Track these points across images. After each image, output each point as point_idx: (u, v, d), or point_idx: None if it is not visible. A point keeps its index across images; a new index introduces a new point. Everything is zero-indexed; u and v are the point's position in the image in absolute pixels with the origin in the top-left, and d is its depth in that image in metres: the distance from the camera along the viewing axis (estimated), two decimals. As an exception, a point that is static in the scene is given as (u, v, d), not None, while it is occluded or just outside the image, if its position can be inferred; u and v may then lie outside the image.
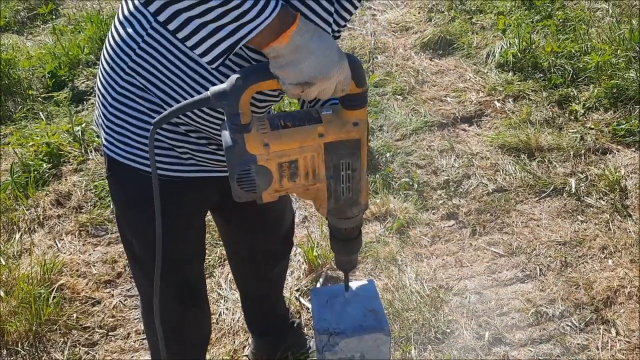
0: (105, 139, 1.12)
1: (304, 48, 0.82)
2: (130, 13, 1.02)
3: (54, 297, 2.03)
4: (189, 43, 0.84)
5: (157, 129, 0.86)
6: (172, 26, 0.83)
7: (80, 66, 3.46)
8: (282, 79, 0.83)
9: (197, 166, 1.11)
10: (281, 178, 0.92)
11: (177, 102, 1.03)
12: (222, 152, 1.06)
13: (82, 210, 2.49)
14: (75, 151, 2.79)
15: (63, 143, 2.82)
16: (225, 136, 0.89)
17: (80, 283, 2.15)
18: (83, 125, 2.91)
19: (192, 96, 1.02)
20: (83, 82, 3.34)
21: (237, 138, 0.88)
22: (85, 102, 3.19)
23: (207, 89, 1.01)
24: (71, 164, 2.73)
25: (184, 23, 0.82)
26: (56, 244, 2.33)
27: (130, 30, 1.02)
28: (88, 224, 2.41)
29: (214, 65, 0.87)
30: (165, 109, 1.04)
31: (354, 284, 1.22)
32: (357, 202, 0.99)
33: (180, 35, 0.84)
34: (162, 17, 0.82)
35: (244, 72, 0.86)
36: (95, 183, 2.58)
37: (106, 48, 1.08)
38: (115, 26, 1.06)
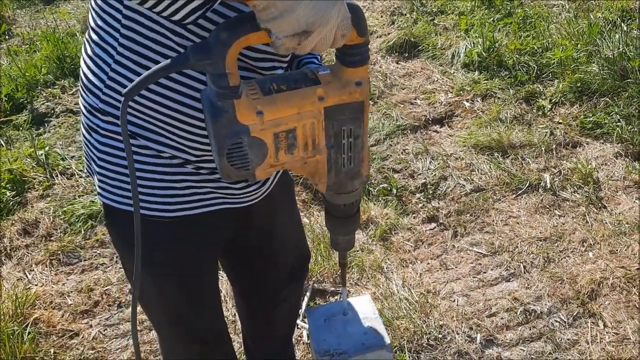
0: (99, 186, 1.00)
1: None
2: (93, 52, 0.92)
3: (29, 333, 1.93)
4: (159, 8, 0.72)
5: (129, 100, 0.74)
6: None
7: (39, 87, 3.33)
8: (276, 33, 0.70)
9: (202, 201, 1.01)
10: (277, 150, 0.80)
11: (164, 135, 0.93)
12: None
13: (52, 238, 2.38)
14: (39, 176, 2.68)
15: (26, 168, 2.70)
16: (209, 105, 0.77)
17: (56, 315, 2.05)
18: (46, 148, 2.80)
19: (179, 126, 0.91)
20: (43, 104, 3.22)
21: (226, 105, 0.75)
22: (46, 125, 3.07)
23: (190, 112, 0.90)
24: (36, 190, 2.62)
25: None
26: (26, 276, 2.22)
27: (95, 68, 0.92)
28: (59, 252, 2.31)
29: (187, 20, 0.74)
30: (154, 146, 0.94)
31: (350, 301, 1.19)
32: (358, 174, 0.89)
33: (149, 4, 0.72)
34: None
35: (229, 23, 0.73)
36: (64, 208, 2.48)
37: (80, 86, 0.98)
38: (81, 65, 0.96)
